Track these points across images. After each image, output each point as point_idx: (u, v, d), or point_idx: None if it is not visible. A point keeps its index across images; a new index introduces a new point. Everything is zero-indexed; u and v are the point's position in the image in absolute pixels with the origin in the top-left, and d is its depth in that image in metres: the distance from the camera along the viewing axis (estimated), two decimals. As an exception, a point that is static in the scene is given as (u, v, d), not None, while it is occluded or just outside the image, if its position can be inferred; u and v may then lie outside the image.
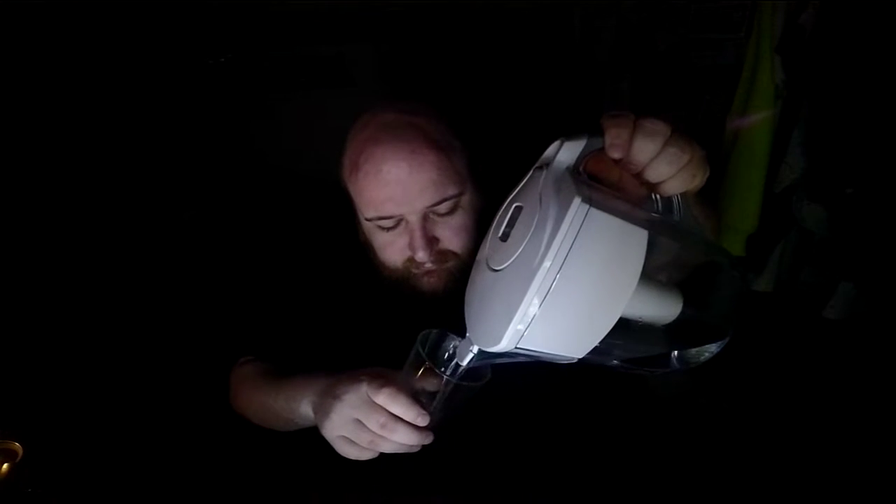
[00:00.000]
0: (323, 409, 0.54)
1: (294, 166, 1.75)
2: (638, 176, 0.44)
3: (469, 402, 0.52)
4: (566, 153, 0.44)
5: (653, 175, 0.43)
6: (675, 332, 0.47)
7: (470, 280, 0.50)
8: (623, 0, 1.65)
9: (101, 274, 1.55)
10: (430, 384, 0.51)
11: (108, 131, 1.63)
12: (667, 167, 0.42)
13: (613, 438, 0.85)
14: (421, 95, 0.74)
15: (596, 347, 0.42)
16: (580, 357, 0.42)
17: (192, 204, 1.78)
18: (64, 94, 1.52)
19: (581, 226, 0.38)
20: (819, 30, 1.12)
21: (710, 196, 0.63)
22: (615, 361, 0.48)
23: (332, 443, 0.53)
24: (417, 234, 0.64)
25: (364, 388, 0.51)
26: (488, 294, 0.44)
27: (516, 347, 0.40)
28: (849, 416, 1.18)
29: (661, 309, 0.46)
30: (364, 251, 0.73)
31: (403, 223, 0.66)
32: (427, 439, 0.51)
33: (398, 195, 0.63)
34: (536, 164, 0.48)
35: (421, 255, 0.64)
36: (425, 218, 0.65)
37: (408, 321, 0.56)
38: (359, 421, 0.51)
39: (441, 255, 0.67)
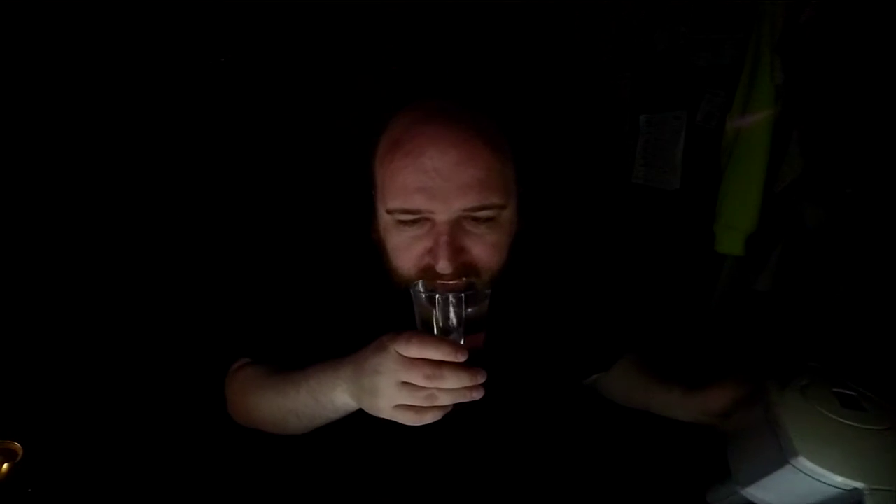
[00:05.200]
0: (366, 390, 0.50)
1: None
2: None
3: (485, 318, 0.53)
4: None
5: None
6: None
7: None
8: (623, 0, 1.65)
9: (101, 275, 1.55)
10: (441, 312, 0.51)
11: (108, 132, 1.63)
12: None
13: (613, 449, 0.85)
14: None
15: None
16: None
17: (196, 201, 1.77)
18: (63, 95, 1.52)
19: None
20: (819, 30, 1.12)
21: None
22: None
23: (392, 418, 0.50)
24: (444, 240, 0.54)
25: (393, 351, 0.48)
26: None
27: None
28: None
29: None
30: (375, 251, 0.63)
31: (429, 225, 0.56)
32: (480, 375, 0.48)
33: (435, 187, 0.54)
34: None
35: (443, 266, 0.54)
36: (457, 224, 0.56)
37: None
38: (406, 383, 0.48)
39: (463, 267, 0.56)
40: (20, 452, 0.76)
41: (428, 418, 0.49)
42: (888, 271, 1.09)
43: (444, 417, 0.61)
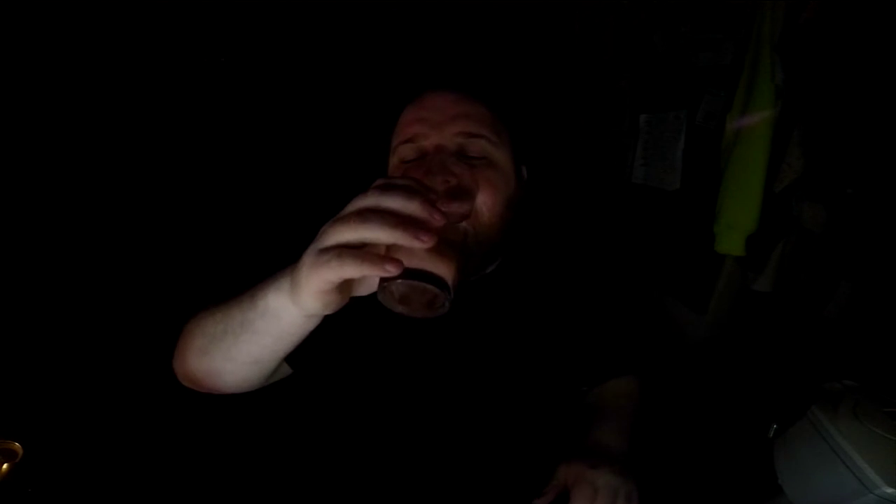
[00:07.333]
0: (303, 256, 0.42)
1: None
2: None
3: None
4: None
5: None
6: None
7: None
8: (623, 0, 1.65)
9: (101, 274, 1.55)
10: None
11: (108, 131, 1.63)
12: None
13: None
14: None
15: None
16: None
17: (196, 200, 1.77)
18: (63, 95, 1.52)
19: None
20: (819, 30, 1.12)
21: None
22: None
23: (310, 280, 0.40)
24: (436, 159, 0.55)
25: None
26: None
27: None
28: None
29: None
30: None
31: (427, 157, 0.61)
32: (436, 214, 0.38)
33: (430, 117, 0.62)
34: None
35: (431, 181, 0.51)
36: (452, 154, 0.61)
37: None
38: (342, 218, 0.39)
39: (456, 192, 0.51)
40: (20, 452, 0.76)
41: (348, 267, 0.37)
42: (889, 271, 1.09)
43: (425, 411, 0.62)
